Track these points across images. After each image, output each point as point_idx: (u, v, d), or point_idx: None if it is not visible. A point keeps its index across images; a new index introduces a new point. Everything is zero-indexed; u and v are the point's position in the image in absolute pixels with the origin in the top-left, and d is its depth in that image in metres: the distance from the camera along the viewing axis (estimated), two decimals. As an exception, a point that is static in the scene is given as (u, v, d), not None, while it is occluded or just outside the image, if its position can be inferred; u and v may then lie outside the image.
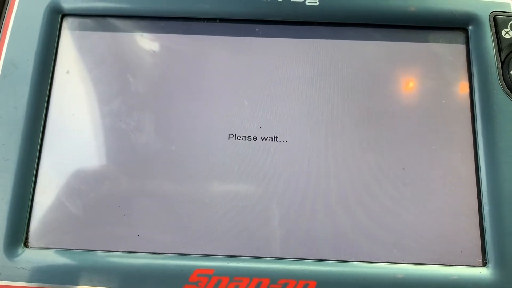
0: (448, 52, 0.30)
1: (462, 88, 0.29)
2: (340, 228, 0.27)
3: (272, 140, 0.29)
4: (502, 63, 0.29)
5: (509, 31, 0.29)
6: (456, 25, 0.30)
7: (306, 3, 0.30)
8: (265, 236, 0.27)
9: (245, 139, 0.29)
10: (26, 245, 0.27)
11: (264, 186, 0.28)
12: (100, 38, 0.30)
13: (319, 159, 0.28)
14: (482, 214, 0.27)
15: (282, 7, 0.30)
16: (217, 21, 0.30)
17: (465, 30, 0.30)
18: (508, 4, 0.30)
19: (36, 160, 0.28)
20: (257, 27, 0.30)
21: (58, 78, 0.30)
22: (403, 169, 0.28)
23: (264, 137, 0.29)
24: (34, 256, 0.27)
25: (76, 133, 0.29)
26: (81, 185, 0.28)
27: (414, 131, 0.29)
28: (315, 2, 0.30)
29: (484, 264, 0.27)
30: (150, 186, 0.28)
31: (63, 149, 0.29)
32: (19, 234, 0.27)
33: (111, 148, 0.29)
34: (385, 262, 0.27)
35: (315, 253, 0.27)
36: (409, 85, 0.30)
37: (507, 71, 0.29)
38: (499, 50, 0.29)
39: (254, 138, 0.29)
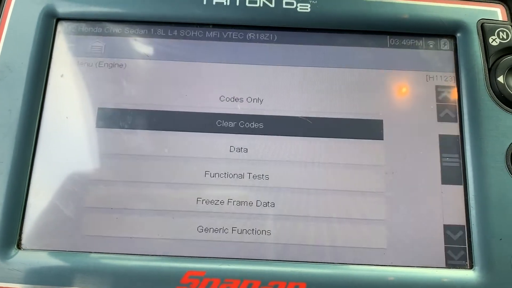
0: (437, 59, 0.31)
1: (450, 94, 0.30)
2: (329, 231, 0.28)
3: None
4: (489, 69, 0.30)
5: (496, 38, 0.30)
6: (445, 32, 0.31)
7: (298, 9, 0.30)
8: (255, 239, 0.28)
9: None
10: (19, 246, 0.28)
11: (256, 189, 0.28)
12: (95, 42, 0.31)
13: (308, 162, 0.29)
14: (469, 218, 0.28)
15: (274, 13, 0.30)
16: (211, 26, 0.31)
17: (454, 37, 0.31)
18: (495, 12, 0.31)
19: (30, 163, 0.29)
20: (250, 33, 0.31)
21: (53, 81, 0.30)
22: (393, 173, 0.29)
23: None
24: (27, 257, 0.27)
25: (69, 136, 0.29)
26: (74, 187, 0.28)
27: (403, 135, 0.29)
28: (307, 9, 0.30)
29: (471, 267, 0.27)
30: (143, 188, 0.29)
31: (56, 151, 0.29)
32: (12, 236, 0.27)
33: (104, 151, 0.29)
34: (374, 265, 0.27)
35: (305, 256, 0.28)
36: (398, 90, 0.30)
37: (494, 77, 0.29)
38: (487, 57, 0.30)
39: None
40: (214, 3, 0.30)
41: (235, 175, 0.29)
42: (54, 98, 0.30)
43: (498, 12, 0.31)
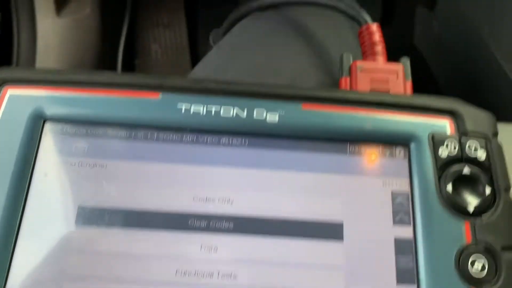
0: (393, 166, 0.34)
1: (404, 199, 0.33)
2: None
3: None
4: (439, 177, 0.33)
5: (444, 149, 0.33)
6: (400, 142, 0.34)
7: (267, 120, 0.33)
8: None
9: None
10: None
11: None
12: (78, 143, 0.33)
13: (274, 262, 0.31)
14: None
15: (246, 123, 0.33)
16: (187, 131, 0.34)
17: (408, 147, 0.34)
18: (444, 125, 0.34)
19: (10, 257, 0.30)
20: (223, 138, 0.34)
21: (36, 179, 0.32)
22: (351, 273, 0.31)
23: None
24: None
25: (49, 232, 0.31)
26: (52, 283, 0.30)
27: (362, 237, 0.32)
28: (275, 119, 0.33)
29: None
30: (117, 284, 0.30)
31: (36, 248, 0.30)
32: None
33: (81, 248, 0.31)
34: None
35: None
36: (357, 195, 0.33)
37: (444, 185, 0.32)
38: (436, 166, 0.33)
39: None
40: (191, 113, 0.33)
41: (205, 274, 0.31)
42: (37, 196, 0.31)
43: (447, 125, 0.34)
